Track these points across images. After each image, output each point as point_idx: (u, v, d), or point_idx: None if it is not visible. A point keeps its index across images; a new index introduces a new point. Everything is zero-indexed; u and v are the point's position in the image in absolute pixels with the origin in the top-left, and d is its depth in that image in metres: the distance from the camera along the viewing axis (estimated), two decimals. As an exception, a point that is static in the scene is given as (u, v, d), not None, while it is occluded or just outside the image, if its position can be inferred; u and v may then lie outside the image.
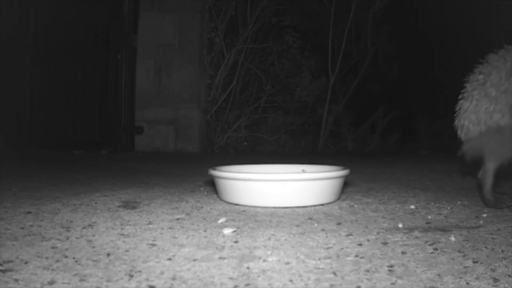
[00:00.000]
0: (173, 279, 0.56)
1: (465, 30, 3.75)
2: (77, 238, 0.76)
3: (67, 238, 0.76)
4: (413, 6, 4.13)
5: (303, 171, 1.26)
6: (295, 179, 1.06)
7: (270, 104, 3.93)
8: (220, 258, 0.65)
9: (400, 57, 4.47)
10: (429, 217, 0.96)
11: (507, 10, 3.33)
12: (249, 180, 1.04)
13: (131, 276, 0.57)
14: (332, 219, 0.93)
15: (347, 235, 0.79)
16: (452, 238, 0.76)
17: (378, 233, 0.81)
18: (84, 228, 0.84)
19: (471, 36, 3.74)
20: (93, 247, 0.71)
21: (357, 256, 0.66)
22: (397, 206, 1.09)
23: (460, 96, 1.09)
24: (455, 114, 1.08)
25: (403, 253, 0.68)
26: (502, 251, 0.69)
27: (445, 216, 0.97)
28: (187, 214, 0.98)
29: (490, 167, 1.04)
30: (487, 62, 1.06)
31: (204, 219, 0.93)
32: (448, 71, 3.89)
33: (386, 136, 4.60)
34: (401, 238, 0.77)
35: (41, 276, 0.57)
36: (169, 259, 0.65)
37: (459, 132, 1.09)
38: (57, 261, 0.63)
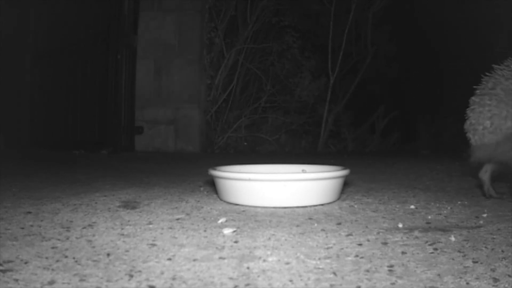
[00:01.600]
0: (173, 279, 0.56)
1: (465, 30, 3.75)
2: (77, 238, 0.77)
3: (67, 238, 0.76)
4: (413, 6, 4.13)
5: (303, 171, 1.26)
6: (295, 179, 1.06)
7: (270, 104, 3.93)
8: (220, 258, 0.65)
9: (400, 57, 4.47)
10: (429, 217, 0.96)
11: (506, 10, 3.33)
12: (249, 180, 1.04)
13: (131, 276, 0.57)
14: (332, 219, 0.93)
15: (347, 235, 0.79)
16: (452, 238, 0.76)
17: (378, 233, 0.81)
18: (84, 228, 0.84)
19: (471, 36, 3.74)
20: (93, 247, 0.71)
21: (357, 256, 0.66)
22: (397, 206, 1.09)
23: (471, 101, 1.08)
24: (466, 118, 1.07)
25: (403, 253, 0.68)
26: (502, 251, 0.69)
27: (445, 216, 0.97)
28: (187, 214, 0.98)
29: (493, 168, 1.04)
30: (494, 72, 1.06)
31: (204, 219, 0.93)
32: (448, 71, 3.89)
33: (386, 136, 4.60)
34: (401, 238, 0.77)
35: (41, 276, 0.57)
36: (169, 259, 0.65)
37: (471, 138, 1.08)
38: (57, 261, 0.63)
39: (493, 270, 0.60)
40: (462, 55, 3.90)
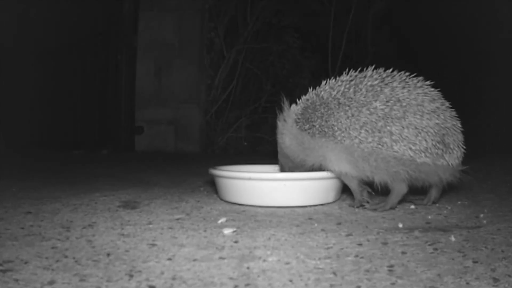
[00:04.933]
0: (173, 279, 0.56)
1: (465, 30, 3.75)
2: (77, 238, 0.77)
3: (67, 238, 0.76)
4: (413, 6, 4.14)
5: (303, 171, 1.25)
6: (295, 179, 1.06)
7: (270, 104, 3.92)
8: (220, 258, 0.65)
9: (400, 57, 4.46)
10: (429, 217, 0.96)
11: (505, 10, 3.33)
12: (250, 179, 1.04)
13: (131, 276, 0.57)
14: (332, 219, 0.93)
15: (347, 235, 0.79)
16: (452, 238, 0.76)
17: (378, 233, 0.81)
18: (84, 228, 0.84)
19: (471, 36, 3.74)
20: (93, 247, 0.71)
21: (357, 256, 0.66)
22: (397, 206, 1.09)
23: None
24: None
25: (403, 253, 0.68)
26: (502, 251, 0.69)
27: (445, 216, 0.97)
28: (187, 214, 0.98)
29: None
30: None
31: (204, 219, 0.93)
32: (448, 71, 3.89)
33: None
34: (401, 238, 0.77)
35: (41, 276, 0.57)
36: (169, 259, 0.65)
37: None
38: (57, 261, 0.63)
39: (493, 270, 0.60)
40: (462, 55, 3.90)
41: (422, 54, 4.33)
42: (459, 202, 1.14)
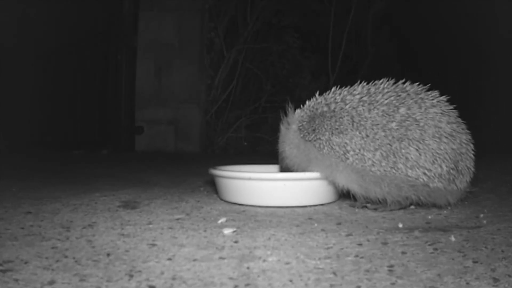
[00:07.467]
0: (173, 279, 0.56)
1: (465, 30, 3.75)
2: (77, 238, 0.77)
3: (67, 238, 0.76)
4: (413, 6, 4.13)
5: (303, 171, 1.25)
6: (295, 179, 1.06)
7: (270, 104, 3.93)
8: (220, 258, 0.65)
9: (400, 57, 4.47)
10: (429, 217, 0.96)
11: (505, 10, 3.33)
12: (250, 179, 1.04)
13: (131, 276, 0.57)
14: (332, 219, 0.93)
15: (347, 235, 0.79)
16: (452, 238, 0.76)
17: (378, 233, 0.81)
18: (84, 228, 0.84)
19: (471, 36, 3.74)
20: (93, 247, 0.71)
21: (357, 256, 0.66)
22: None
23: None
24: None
25: (403, 253, 0.68)
26: (502, 251, 0.69)
27: (445, 216, 0.97)
28: (187, 214, 0.98)
29: None
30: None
31: (204, 219, 0.93)
32: (448, 71, 3.89)
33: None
34: (401, 238, 0.77)
35: (41, 276, 0.57)
36: (169, 259, 0.65)
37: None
38: (57, 261, 0.63)
39: (493, 270, 0.60)
40: (462, 55, 3.90)
41: (422, 54, 4.33)
42: (459, 202, 1.14)
